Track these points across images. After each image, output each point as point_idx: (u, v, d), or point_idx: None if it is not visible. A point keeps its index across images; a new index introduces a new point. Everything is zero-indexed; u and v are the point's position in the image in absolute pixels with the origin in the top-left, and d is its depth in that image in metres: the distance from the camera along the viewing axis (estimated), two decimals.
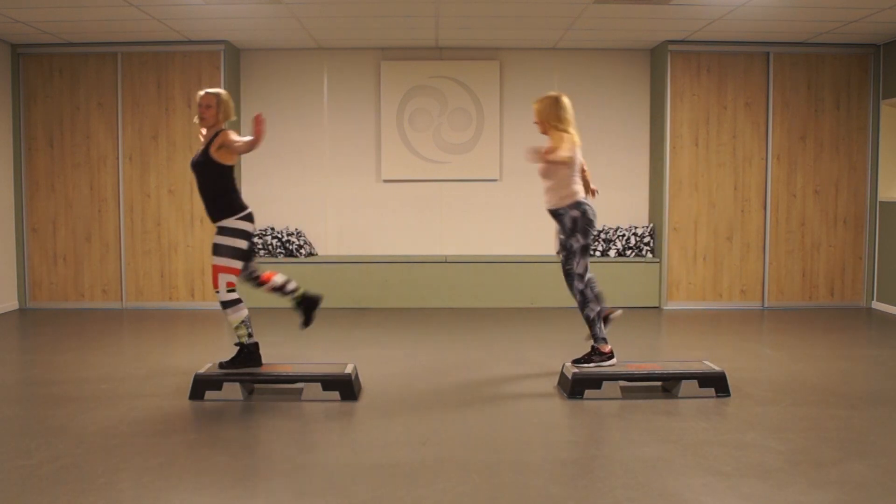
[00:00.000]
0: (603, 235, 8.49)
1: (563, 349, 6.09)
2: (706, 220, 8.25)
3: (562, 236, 4.94)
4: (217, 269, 4.70)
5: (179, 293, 8.24)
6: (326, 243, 8.72)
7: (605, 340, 4.96)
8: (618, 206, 8.65)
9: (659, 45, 8.27)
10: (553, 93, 5.00)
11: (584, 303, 4.92)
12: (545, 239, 8.74)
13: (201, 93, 4.85)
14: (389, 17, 7.16)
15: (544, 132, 4.96)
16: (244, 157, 8.23)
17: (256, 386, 4.91)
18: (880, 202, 8.18)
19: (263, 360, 5.21)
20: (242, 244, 4.74)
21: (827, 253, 8.32)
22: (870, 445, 3.91)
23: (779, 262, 8.30)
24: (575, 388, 4.72)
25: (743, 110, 8.19)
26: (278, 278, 5.02)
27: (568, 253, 4.89)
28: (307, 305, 5.08)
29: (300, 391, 4.78)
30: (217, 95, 4.81)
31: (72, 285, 8.27)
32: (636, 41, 8.22)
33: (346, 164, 8.62)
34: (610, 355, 4.96)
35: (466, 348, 6.29)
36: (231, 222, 4.73)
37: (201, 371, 4.79)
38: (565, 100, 4.94)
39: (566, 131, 4.86)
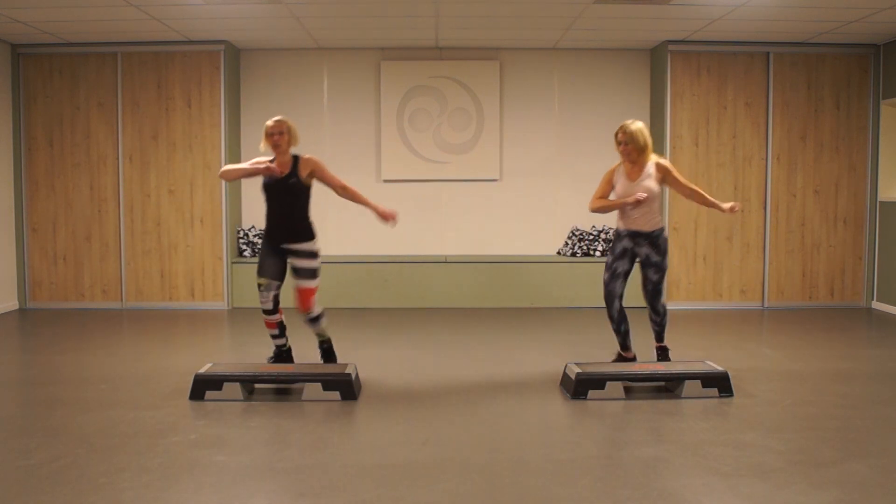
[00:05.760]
0: (603, 235, 8.49)
1: (563, 349, 6.10)
2: (706, 220, 8.25)
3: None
4: (310, 293, 4.93)
5: (179, 293, 8.24)
6: (326, 243, 8.69)
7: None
8: None
9: (659, 45, 8.27)
10: (639, 124, 5.07)
11: (665, 311, 5.28)
12: (545, 239, 8.76)
13: (271, 122, 4.94)
14: (389, 17, 7.16)
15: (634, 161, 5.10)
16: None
17: (256, 386, 4.91)
18: (880, 202, 8.18)
19: (264, 360, 5.27)
20: (319, 264, 5.03)
21: (827, 253, 8.32)
22: (870, 445, 3.91)
23: (779, 262, 8.30)
24: (578, 388, 4.72)
25: (743, 110, 8.19)
26: (284, 320, 5.22)
27: None
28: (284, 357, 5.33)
29: (300, 391, 4.78)
30: (286, 122, 4.96)
31: (72, 285, 8.27)
32: (636, 41, 8.22)
33: (346, 164, 8.61)
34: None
35: (466, 348, 6.28)
36: (315, 245, 5.01)
37: (201, 371, 4.79)
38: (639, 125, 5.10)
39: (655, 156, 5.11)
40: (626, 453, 3.80)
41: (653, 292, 5.11)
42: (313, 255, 4.98)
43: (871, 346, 6.54)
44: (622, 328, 5.18)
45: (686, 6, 6.69)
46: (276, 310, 5.01)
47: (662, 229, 5.09)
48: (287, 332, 5.20)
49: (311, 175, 4.97)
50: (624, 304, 5.18)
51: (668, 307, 5.33)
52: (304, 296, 4.92)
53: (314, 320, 5.05)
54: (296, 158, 4.96)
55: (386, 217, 5.02)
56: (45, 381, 5.20)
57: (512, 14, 7.01)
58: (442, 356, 5.99)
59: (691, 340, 6.76)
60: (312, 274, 4.95)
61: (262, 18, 7.11)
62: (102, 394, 4.84)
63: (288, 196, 4.94)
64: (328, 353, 5.30)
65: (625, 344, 5.23)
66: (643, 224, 5.02)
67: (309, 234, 4.99)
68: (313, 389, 4.68)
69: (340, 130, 8.64)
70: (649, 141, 5.04)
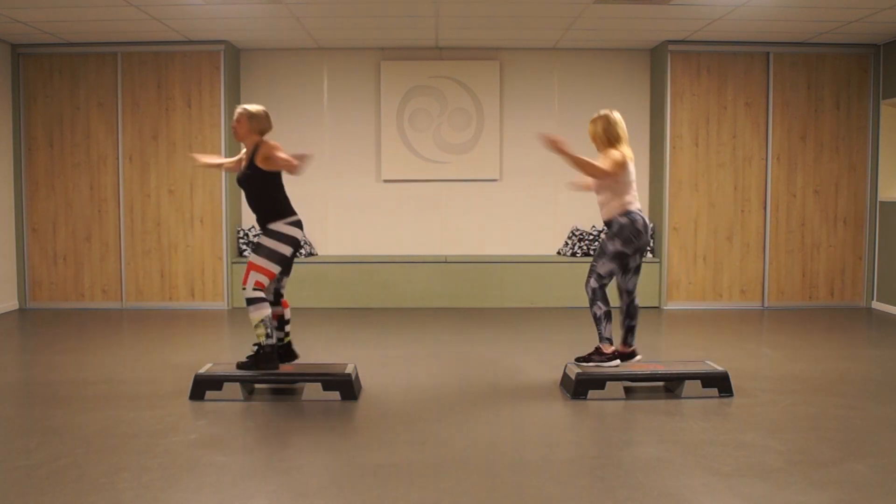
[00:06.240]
0: (603, 235, 8.48)
1: (563, 349, 6.09)
2: (706, 220, 8.25)
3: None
4: (252, 267, 4.71)
5: (179, 293, 8.24)
6: (326, 243, 8.72)
7: (609, 341, 4.94)
8: None
9: (659, 45, 8.27)
10: (604, 111, 5.00)
11: (592, 300, 4.92)
12: (545, 239, 8.76)
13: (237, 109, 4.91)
14: (389, 17, 7.16)
15: (600, 151, 5.01)
16: None
17: (256, 386, 4.91)
18: (880, 202, 8.18)
19: None
20: (286, 250, 4.76)
21: (827, 253, 8.32)
22: (870, 445, 3.91)
23: (779, 262, 8.30)
24: (578, 388, 4.72)
25: (743, 110, 8.19)
26: (287, 314, 5.04)
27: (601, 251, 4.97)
28: (263, 356, 4.84)
29: (300, 391, 4.78)
30: (245, 110, 4.84)
31: (72, 285, 8.27)
32: (636, 41, 8.22)
33: (346, 164, 8.62)
34: (612, 356, 4.94)
35: (466, 348, 6.28)
36: (280, 226, 4.75)
37: (201, 371, 4.79)
38: (616, 116, 4.98)
39: (616, 149, 4.91)
40: (626, 453, 3.80)
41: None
42: (275, 234, 4.72)
43: (871, 346, 6.54)
44: (626, 322, 5.09)
45: (686, 6, 6.69)
46: (277, 301, 4.96)
47: (623, 214, 4.91)
48: (288, 328, 5.10)
49: (267, 160, 4.73)
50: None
51: (666, 306, 5.26)
52: (246, 270, 4.71)
53: (248, 302, 4.73)
54: (257, 146, 4.79)
55: (302, 158, 4.60)
56: (45, 381, 5.20)
57: (512, 14, 7.01)
58: (442, 356, 5.99)
59: (691, 340, 6.77)
60: (267, 252, 4.70)
61: (262, 18, 7.11)
62: (102, 394, 4.84)
63: (249, 186, 4.83)
64: (254, 359, 4.77)
65: (626, 339, 5.17)
66: (603, 214, 5.03)
67: (277, 216, 4.78)
68: (313, 389, 4.68)
69: (340, 130, 8.64)
70: (602, 131, 4.91)
